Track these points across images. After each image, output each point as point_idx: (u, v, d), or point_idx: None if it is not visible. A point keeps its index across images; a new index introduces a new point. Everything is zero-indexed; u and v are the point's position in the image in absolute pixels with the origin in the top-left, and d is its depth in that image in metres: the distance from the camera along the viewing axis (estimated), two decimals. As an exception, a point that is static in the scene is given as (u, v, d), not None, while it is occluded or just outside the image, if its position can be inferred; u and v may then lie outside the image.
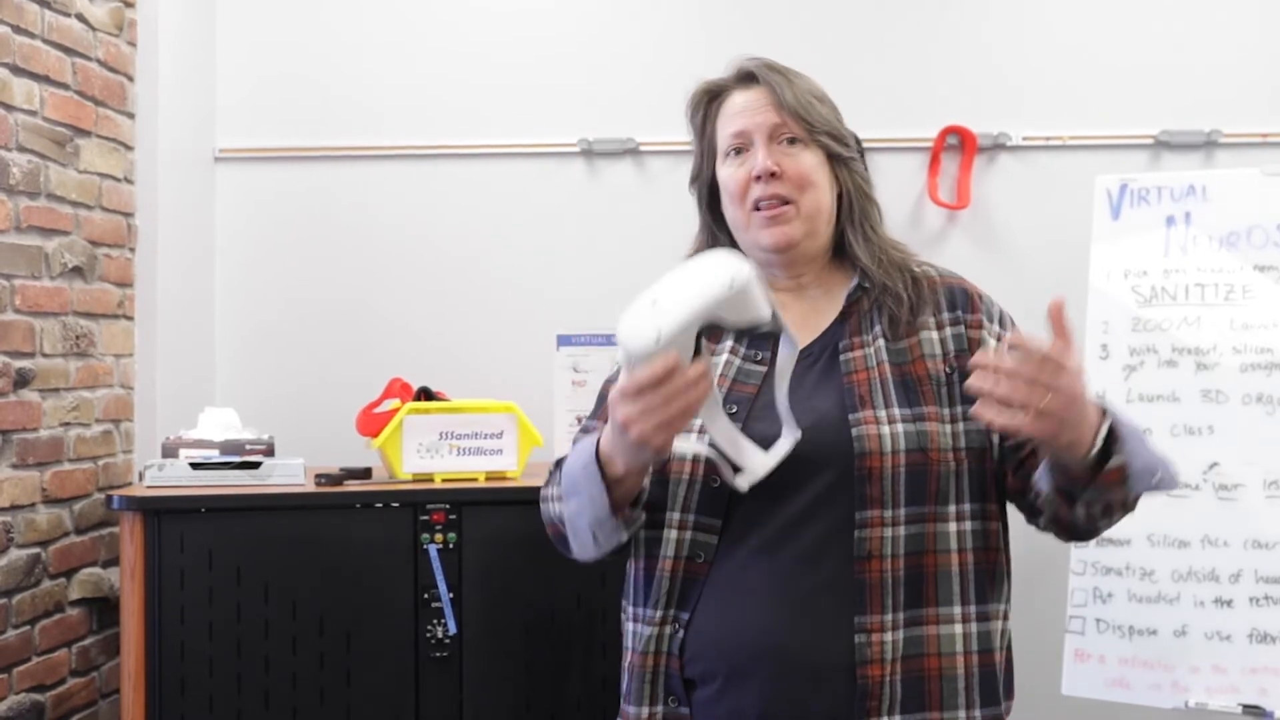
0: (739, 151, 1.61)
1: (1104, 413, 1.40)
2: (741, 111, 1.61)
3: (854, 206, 1.62)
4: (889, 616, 1.47)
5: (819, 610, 1.48)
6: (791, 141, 1.59)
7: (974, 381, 1.32)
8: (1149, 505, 2.35)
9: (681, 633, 1.53)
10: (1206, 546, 2.36)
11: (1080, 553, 2.43)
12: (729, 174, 1.61)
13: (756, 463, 1.46)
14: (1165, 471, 1.48)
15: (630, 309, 1.33)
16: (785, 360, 1.46)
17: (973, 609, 1.52)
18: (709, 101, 1.66)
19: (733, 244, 1.66)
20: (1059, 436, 1.35)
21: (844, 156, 1.61)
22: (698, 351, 1.35)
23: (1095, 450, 1.39)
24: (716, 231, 1.68)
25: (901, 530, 1.48)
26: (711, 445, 1.48)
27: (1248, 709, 2.30)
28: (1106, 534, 2.36)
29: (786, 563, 1.49)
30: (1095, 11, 2.98)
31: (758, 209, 1.58)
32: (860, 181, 1.63)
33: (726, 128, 1.62)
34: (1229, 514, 2.35)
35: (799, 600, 1.48)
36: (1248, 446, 2.35)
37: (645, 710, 1.55)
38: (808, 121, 1.58)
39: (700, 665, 1.52)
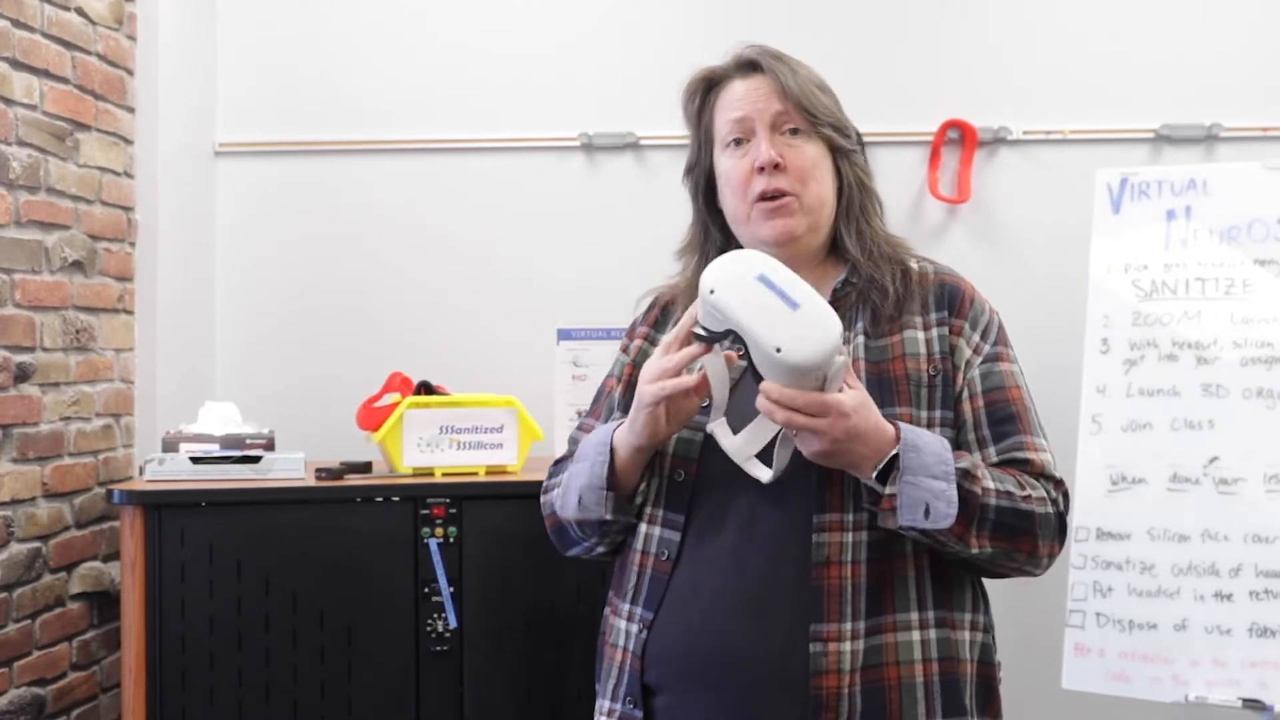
0: (739, 142, 1.56)
1: (898, 441, 1.39)
2: (743, 99, 1.56)
3: (854, 200, 1.57)
4: (848, 625, 1.41)
5: (777, 617, 1.42)
6: (794, 132, 1.54)
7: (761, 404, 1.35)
8: (1149, 499, 2.40)
9: (645, 634, 1.49)
10: (1207, 540, 2.36)
11: (1080, 547, 2.43)
12: (730, 165, 1.56)
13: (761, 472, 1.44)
14: (937, 508, 1.38)
15: (792, 320, 1.33)
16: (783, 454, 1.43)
17: (930, 614, 1.46)
18: (707, 89, 1.61)
19: (726, 237, 1.62)
20: (832, 460, 1.38)
21: (846, 149, 1.57)
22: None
23: (875, 475, 1.39)
24: (710, 225, 1.64)
25: (864, 535, 1.43)
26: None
27: (1248, 703, 2.30)
28: (1107, 528, 2.41)
29: (747, 566, 1.45)
30: (1096, 5, 2.97)
31: (760, 201, 1.53)
32: (860, 175, 1.58)
33: (727, 115, 1.57)
34: (1229, 508, 2.35)
35: (757, 607, 1.43)
36: (1248, 440, 2.35)
37: (607, 704, 1.54)
38: (811, 112, 1.54)
39: (657, 670, 1.48)
